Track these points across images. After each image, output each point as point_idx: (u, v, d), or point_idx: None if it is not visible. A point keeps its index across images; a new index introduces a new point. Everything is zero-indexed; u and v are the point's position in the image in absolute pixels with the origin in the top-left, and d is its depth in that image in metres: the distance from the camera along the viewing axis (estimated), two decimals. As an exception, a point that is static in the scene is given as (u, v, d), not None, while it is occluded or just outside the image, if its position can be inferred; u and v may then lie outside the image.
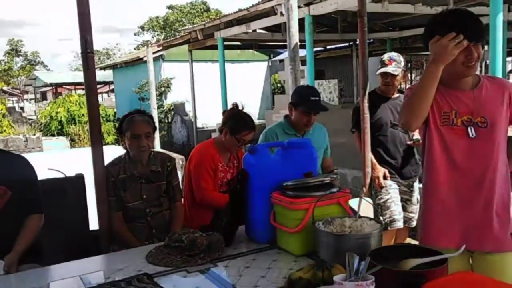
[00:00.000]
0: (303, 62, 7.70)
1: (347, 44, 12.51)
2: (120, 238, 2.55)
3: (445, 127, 1.88)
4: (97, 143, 2.51)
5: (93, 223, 2.75)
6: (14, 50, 46.83)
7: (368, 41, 10.80)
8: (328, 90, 11.96)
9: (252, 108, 13.53)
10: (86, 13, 2.42)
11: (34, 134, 11.05)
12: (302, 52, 7.03)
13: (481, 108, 1.86)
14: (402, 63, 3.31)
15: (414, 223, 3.42)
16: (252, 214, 2.15)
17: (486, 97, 1.88)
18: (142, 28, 36.12)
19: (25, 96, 36.64)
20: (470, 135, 1.85)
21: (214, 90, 12.13)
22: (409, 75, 17.96)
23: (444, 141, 1.89)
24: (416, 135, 3.26)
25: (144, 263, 1.96)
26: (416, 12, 7.13)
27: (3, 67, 45.63)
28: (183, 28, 14.43)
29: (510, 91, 1.89)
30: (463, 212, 1.90)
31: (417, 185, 3.41)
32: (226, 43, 10.51)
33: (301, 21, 6.74)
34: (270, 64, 17.33)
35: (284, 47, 7.34)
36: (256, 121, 2.89)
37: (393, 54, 3.37)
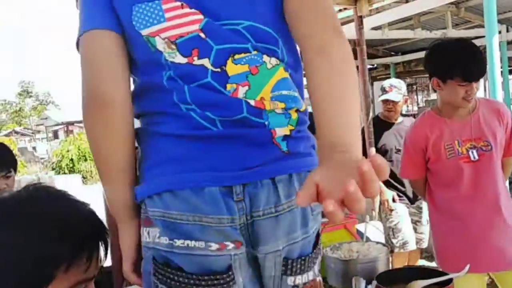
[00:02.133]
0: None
1: None
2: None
3: (452, 159, 1.87)
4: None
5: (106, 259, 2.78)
6: (25, 92, 47.91)
7: (371, 66, 11.00)
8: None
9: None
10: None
11: (47, 173, 11.21)
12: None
13: (482, 132, 1.88)
14: (403, 89, 3.38)
15: (425, 244, 3.41)
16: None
17: (485, 120, 1.90)
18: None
19: (37, 136, 37.20)
20: (472, 158, 1.87)
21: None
22: (414, 96, 18.05)
23: (452, 173, 1.88)
24: None
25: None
26: (416, 36, 7.24)
27: (14, 108, 46.61)
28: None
29: (503, 111, 1.93)
30: (485, 236, 1.88)
31: (425, 206, 3.42)
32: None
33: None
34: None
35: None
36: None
37: (394, 81, 3.44)
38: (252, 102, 0.83)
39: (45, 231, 0.74)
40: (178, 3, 0.83)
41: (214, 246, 0.83)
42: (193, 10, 0.83)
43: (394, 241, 3.18)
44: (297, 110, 0.88)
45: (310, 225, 0.89)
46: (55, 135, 32.28)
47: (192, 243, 0.83)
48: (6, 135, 29.66)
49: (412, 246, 3.30)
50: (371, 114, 3.52)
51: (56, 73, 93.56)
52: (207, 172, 0.83)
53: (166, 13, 0.83)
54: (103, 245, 0.82)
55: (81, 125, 27.94)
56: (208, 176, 0.83)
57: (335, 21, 0.83)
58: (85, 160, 13.82)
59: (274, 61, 0.86)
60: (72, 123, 29.62)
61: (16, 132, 34.98)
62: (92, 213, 0.81)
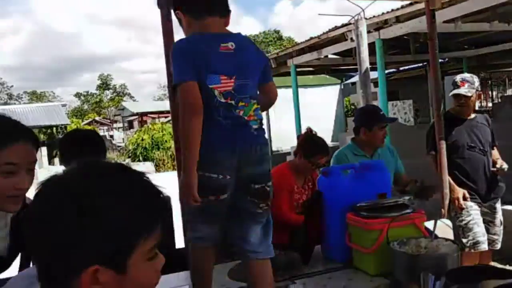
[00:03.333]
0: (376, 84, 7.62)
1: (420, 64, 12.20)
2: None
3: None
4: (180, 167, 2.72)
5: (178, 242, 2.95)
6: (104, 84, 50.76)
7: (442, 60, 10.53)
8: (403, 110, 11.70)
9: (326, 131, 13.54)
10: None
11: (124, 160, 11.87)
12: (374, 74, 7.00)
13: None
14: (476, 84, 3.24)
15: (498, 245, 3.26)
16: (328, 234, 2.22)
17: None
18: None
19: (114, 125, 39.33)
20: None
21: (288, 114, 12.34)
22: (489, 92, 16.99)
23: None
24: (502, 163, 3.16)
25: (226, 279, 2.10)
26: (492, 29, 6.84)
27: (95, 99, 49.55)
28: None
29: None
30: None
31: (499, 206, 3.27)
32: (298, 69, 10.74)
33: (372, 45, 6.75)
34: (342, 87, 17.29)
35: (356, 70, 7.37)
36: (330, 144, 2.98)
37: (466, 75, 3.31)
38: (246, 118, 1.68)
39: (130, 203, 0.77)
40: (225, 77, 1.63)
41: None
42: (230, 79, 1.64)
43: (464, 240, 3.08)
44: (260, 119, 1.74)
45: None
46: (130, 125, 33.90)
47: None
48: (88, 124, 31.67)
49: (483, 246, 3.17)
50: (442, 109, 3.41)
51: (131, 68, 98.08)
52: None
53: (221, 80, 1.63)
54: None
55: (154, 116, 29.06)
56: None
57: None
58: (158, 149, 14.47)
59: (254, 100, 1.71)
60: (145, 114, 30.94)
61: (96, 122, 37.21)
62: (152, 184, 0.84)
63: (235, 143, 1.63)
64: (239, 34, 1.71)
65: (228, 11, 1.73)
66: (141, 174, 0.84)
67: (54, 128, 21.03)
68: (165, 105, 31.95)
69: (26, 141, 1.34)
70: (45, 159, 17.15)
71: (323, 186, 2.27)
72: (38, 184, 0.80)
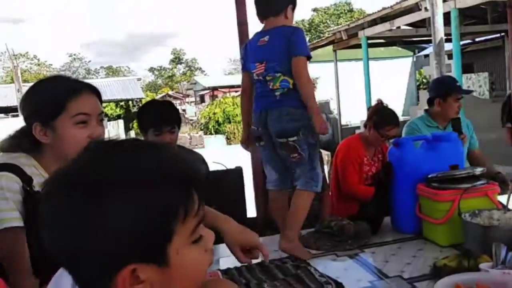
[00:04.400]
0: (450, 56, 7.26)
1: (498, 35, 11.34)
2: (274, 224, 2.82)
3: None
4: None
5: (250, 211, 3.09)
6: (177, 59, 52.23)
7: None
8: (477, 83, 11.02)
9: (397, 104, 13.10)
10: (244, 22, 2.75)
11: (197, 133, 12.29)
12: (448, 46, 6.66)
13: None
14: None
15: None
16: (398, 205, 2.23)
17: None
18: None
19: (187, 99, 40.53)
20: None
21: (357, 88, 12.07)
22: None
23: None
24: None
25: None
26: None
27: (168, 74, 51.21)
28: (328, 29, 14.59)
29: None
30: None
31: None
32: (369, 41, 10.43)
33: (447, 15, 6.40)
34: (414, 59, 16.54)
35: (429, 42, 6.99)
36: (401, 118, 2.94)
37: None
38: (271, 87, 2.11)
39: (158, 183, 0.65)
40: (258, 63, 2.14)
41: None
42: (262, 64, 2.13)
43: None
44: (285, 88, 2.10)
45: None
46: (202, 99, 34.72)
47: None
48: (161, 98, 32.89)
49: None
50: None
51: (203, 43, 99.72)
52: None
53: (256, 66, 2.15)
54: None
55: (225, 90, 29.52)
56: None
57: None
58: (229, 122, 14.81)
59: (279, 74, 2.08)
60: (216, 88, 31.52)
61: (169, 96, 38.51)
62: (180, 153, 0.74)
63: (261, 106, 2.14)
64: (275, 28, 2.13)
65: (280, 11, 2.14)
66: (165, 148, 0.73)
67: (130, 102, 22.11)
68: (236, 79, 32.28)
69: (92, 93, 1.46)
70: (122, 131, 18.10)
71: (394, 157, 2.27)
72: (44, 182, 0.71)
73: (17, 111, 15.19)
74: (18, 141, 1.46)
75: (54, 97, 1.41)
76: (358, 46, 10.71)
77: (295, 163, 2.12)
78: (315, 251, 2.08)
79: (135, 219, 0.62)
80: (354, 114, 13.35)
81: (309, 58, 2.08)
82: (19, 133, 1.48)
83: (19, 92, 14.24)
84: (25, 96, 1.47)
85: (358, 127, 11.12)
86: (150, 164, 0.67)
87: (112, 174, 0.64)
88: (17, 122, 1.53)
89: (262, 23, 2.20)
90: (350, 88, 13.38)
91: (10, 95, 17.45)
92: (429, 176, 2.05)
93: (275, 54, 2.08)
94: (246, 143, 2.37)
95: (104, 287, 0.64)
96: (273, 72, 2.08)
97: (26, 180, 1.37)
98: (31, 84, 1.54)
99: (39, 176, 1.41)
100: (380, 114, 2.87)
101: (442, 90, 3.00)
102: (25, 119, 1.45)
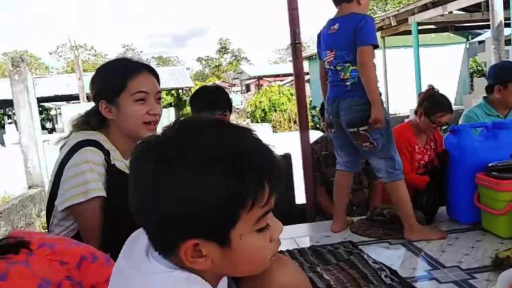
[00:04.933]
0: (507, 42, 6.90)
1: None
2: (324, 211, 2.81)
3: None
4: (304, 125, 2.81)
5: (298, 198, 3.08)
6: (223, 48, 52.66)
7: None
8: (538, 71, 10.34)
9: (449, 93, 12.59)
10: (295, 8, 2.72)
11: (244, 121, 12.39)
12: (506, 31, 6.31)
13: None
14: None
15: None
16: (454, 194, 2.16)
17: None
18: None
19: (233, 89, 40.84)
20: None
21: (406, 76, 11.70)
22: None
23: None
24: None
25: (348, 233, 2.16)
26: None
27: (215, 63, 51.77)
28: (376, 15, 14.25)
29: None
30: None
31: None
32: (420, 27, 10.04)
33: (505, -2, 6.06)
34: (467, 46, 15.81)
35: (484, 27, 6.65)
36: (453, 107, 2.83)
37: None
38: (342, 77, 2.09)
39: (236, 170, 0.67)
40: (329, 51, 2.12)
41: None
42: (332, 52, 2.11)
43: None
44: (355, 77, 2.08)
45: None
46: (247, 88, 34.90)
47: None
48: (210, 86, 33.17)
49: None
50: None
51: (249, 32, 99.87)
52: None
53: (327, 53, 2.14)
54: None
55: (270, 79, 29.55)
56: None
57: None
58: (275, 111, 14.80)
59: (348, 64, 2.06)
60: (261, 78, 31.56)
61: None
62: (260, 141, 0.74)
63: (333, 94, 2.15)
64: (346, 15, 2.09)
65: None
66: (249, 136, 0.73)
67: (180, 91, 22.53)
68: (281, 68, 32.19)
69: (150, 73, 1.57)
70: (173, 119, 18.50)
71: (451, 145, 2.19)
72: (135, 146, 0.74)
73: (78, 99, 15.87)
74: (87, 119, 1.59)
75: (116, 77, 1.53)
76: (408, 32, 10.35)
77: (368, 153, 2.11)
78: (367, 238, 2.05)
79: (207, 198, 0.66)
80: (402, 103, 12.97)
81: (375, 46, 2.05)
82: (88, 112, 1.62)
83: (80, 80, 14.88)
84: (93, 77, 1.59)
85: (407, 116, 10.81)
86: (233, 150, 0.69)
87: (198, 151, 0.67)
88: (82, 108, 1.64)
89: (337, 8, 2.16)
90: (398, 77, 13.00)
91: (72, 84, 18.20)
92: (489, 165, 1.96)
93: (344, 42, 2.06)
94: (326, 128, 2.43)
95: (173, 252, 0.70)
96: (342, 62, 2.07)
97: (106, 154, 1.49)
98: (91, 73, 1.65)
99: (112, 150, 1.53)
100: (431, 100, 2.77)
101: (503, 76, 2.86)
102: (93, 98, 1.58)
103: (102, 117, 1.55)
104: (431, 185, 2.33)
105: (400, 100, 13.10)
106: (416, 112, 2.88)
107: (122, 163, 1.53)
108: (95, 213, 1.44)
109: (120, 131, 1.55)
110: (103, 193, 1.45)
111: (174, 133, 0.72)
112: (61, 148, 1.55)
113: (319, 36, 2.25)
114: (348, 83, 2.07)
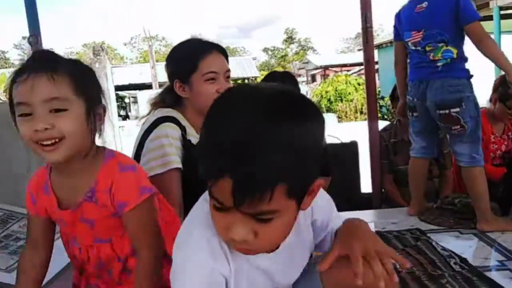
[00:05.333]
0: None
1: None
2: (391, 199, 2.76)
3: None
4: (372, 112, 2.77)
5: (363, 186, 3.04)
6: (289, 38, 52.42)
7: None
8: None
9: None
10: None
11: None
12: None
13: None
14: None
15: None
16: (535, 185, 2.05)
17: None
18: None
19: (298, 79, 40.52)
20: None
21: (483, 65, 11.03)
22: None
23: None
24: None
25: (416, 221, 2.13)
26: None
27: (280, 53, 51.72)
28: None
29: None
30: None
31: None
32: (502, 12, 9.40)
33: None
34: (560, 32, 14.56)
35: None
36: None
37: None
38: (432, 58, 2.02)
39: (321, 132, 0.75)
40: (415, 31, 2.05)
41: None
42: (419, 32, 2.04)
43: None
44: (448, 58, 2.03)
45: None
46: (313, 79, 34.54)
47: None
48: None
49: None
50: None
51: (316, 21, 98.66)
52: None
53: (412, 34, 2.06)
54: None
55: (336, 69, 29.07)
56: None
57: None
58: (341, 101, 14.57)
59: (441, 44, 1.99)
60: (328, 67, 31.10)
61: (281, 75, 38.74)
62: None
63: (419, 76, 2.07)
64: None
65: None
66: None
67: (246, 80, 22.80)
68: (348, 58, 31.51)
69: (220, 53, 1.65)
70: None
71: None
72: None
73: (151, 87, 16.56)
74: (163, 97, 1.71)
75: (188, 57, 1.62)
76: (489, 18, 9.75)
77: (455, 136, 2.03)
78: (436, 226, 2.01)
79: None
80: (478, 93, 12.30)
81: (480, 20, 1.99)
82: (163, 91, 1.73)
83: (153, 69, 15.51)
84: (167, 57, 1.71)
85: (483, 108, 10.23)
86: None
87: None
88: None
89: None
90: (475, 65, 12.32)
91: (145, 73, 18.99)
92: None
93: (436, 21, 1.99)
94: (401, 113, 2.38)
95: None
96: (434, 42, 2.00)
97: (183, 129, 1.60)
98: (162, 63, 1.74)
99: (187, 127, 1.63)
100: (505, 85, 2.61)
101: None
102: (168, 78, 1.69)
103: (176, 95, 1.65)
104: (508, 176, 2.23)
105: (475, 90, 12.43)
106: (491, 99, 2.74)
107: (196, 139, 1.62)
108: (173, 182, 1.53)
109: (193, 109, 1.64)
110: (180, 165, 1.55)
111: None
112: (143, 124, 1.66)
113: (398, 16, 2.19)
114: (439, 64, 2.00)
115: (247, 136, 0.66)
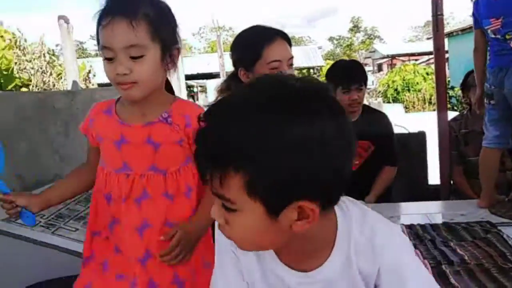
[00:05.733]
0: None
1: None
2: (460, 191, 2.68)
3: None
4: (442, 102, 2.69)
5: (430, 177, 2.96)
6: (355, 27, 51.20)
7: None
8: None
9: None
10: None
11: (376, 100, 12.08)
12: None
13: None
14: None
15: None
16: None
17: None
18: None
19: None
20: None
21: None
22: None
23: None
24: None
25: (486, 213, 2.06)
26: None
27: (346, 42, 50.68)
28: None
29: None
30: None
31: None
32: None
33: None
34: None
35: None
36: None
37: None
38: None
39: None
40: (494, 19, 2.01)
41: None
42: (498, 20, 1.99)
43: None
44: None
45: None
46: (379, 68, 33.56)
47: None
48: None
49: None
50: None
51: (382, 9, 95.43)
52: None
53: (491, 22, 2.03)
54: None
55: (404, 58, 28.03)
56: None
57: None
58: (408, 90, 14.11)
59: None
60: (395, 57, 30.05)
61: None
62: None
63: (499, 64, 2.05)
64: None
65: None
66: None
67: (311, 70, 22.63)
68: (416, 47, 30.25)
69: (283, 40, 1.66)
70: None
71: None
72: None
73: (219, 77, 16.95)
74: (228, 84, 1.77)
75: (252, 45, 1.65)
76: None
77: None
78: (508, 220, 1.94)
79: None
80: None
81: None
82: (228, 78, 1.79)
83: (221, 59, 15.85)
84: (232, 45, 1.76)
85: None
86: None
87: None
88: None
89: None
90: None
91: (213, 63, 19.43)
92: None
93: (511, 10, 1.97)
94: (480, 104, 2.31)
95: None
96: None
97: None
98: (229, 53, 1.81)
99: None
100: None
101: None
102: (233, 65, 1.74)
103: (241, 82, 1.69)
104: None
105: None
106: None
107: None
108: None
109: None
110: None
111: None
112: None
113: (476, 3, 2.15)
114: None
115: (229, 118, 0.66)
